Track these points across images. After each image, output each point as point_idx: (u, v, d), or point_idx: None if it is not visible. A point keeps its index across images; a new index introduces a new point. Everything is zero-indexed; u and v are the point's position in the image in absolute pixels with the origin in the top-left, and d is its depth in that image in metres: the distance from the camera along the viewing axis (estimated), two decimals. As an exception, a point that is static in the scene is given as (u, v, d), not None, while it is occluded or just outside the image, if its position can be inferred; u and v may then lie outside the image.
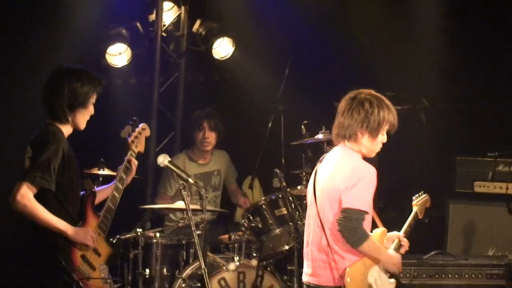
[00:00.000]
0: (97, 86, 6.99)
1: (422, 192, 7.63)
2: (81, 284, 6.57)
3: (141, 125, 7.41)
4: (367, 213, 6.97)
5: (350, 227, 6.95)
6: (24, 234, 6.66)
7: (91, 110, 6.96)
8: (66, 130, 6.79)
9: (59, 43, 9.45)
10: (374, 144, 7.08)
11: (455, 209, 10.13)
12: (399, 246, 7.27)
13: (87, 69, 7.04)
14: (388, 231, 7.34)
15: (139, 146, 7.27)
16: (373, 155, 7.18)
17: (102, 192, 7.05)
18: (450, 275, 9.06)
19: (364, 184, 7.01)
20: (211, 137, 9.99)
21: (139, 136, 7.28)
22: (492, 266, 9.13)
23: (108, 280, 6.92)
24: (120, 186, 7.05)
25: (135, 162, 7.18)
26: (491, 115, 10.76)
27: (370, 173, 7.04)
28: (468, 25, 10.49)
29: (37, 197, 6.47)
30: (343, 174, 7.02)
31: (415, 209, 7.60)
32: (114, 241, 6.98)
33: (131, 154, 7.17)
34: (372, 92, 7.12)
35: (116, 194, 6.98)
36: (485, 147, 10.32)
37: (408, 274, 8.40)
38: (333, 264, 7.08)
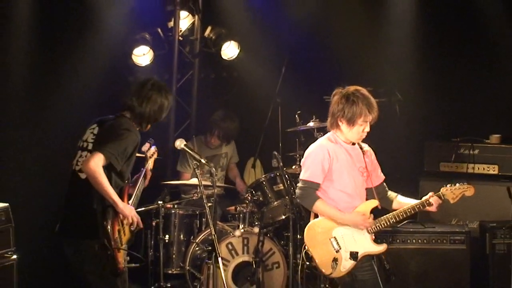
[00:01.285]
0: (170, 101, 7.06)
1: (457, 182, 7.52)
2: (114, 252, 6.59)
3: (153, 147, 7.37)
4: (313, 182, 7.20)
5: (299, 193, 7.31)
6: (82, 198, 6.64)
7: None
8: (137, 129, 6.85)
9: (96, 46, 9.44)
10: (352, 132, 7.22)
11: (424, 185, 10.11)
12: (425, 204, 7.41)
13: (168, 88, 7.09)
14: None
15: (151, 164, 7.26)
16: (354, 141, 7.30)
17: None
18: (420, 241, 9.17)
19: (309, 160, 7.29)
20: (216, 143, 10.15)
21: (153, 155, 7.29)
22: (455, 233, 9.22)
23: (127, 257, 6.88)
24: (139, 190, 7.11)
25: (149, 172, 7.20)
26: (454, 106, 10.76)
27: (314, 151, 7.32)
28: (435, 26, 10.49)
29: (103, 168, 6.47)
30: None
31: (441, 193, 7.45)
32: (132, 229, 6.99)
33: (147, 167, 7.19)
34: (357, 88, 7.25)
35: (138, 194, 7.07)
36: (449, 133, 10.40)
37: (385, 240, 8.43)
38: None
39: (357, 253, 7.21)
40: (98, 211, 6.59)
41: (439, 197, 7.40)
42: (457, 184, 7.46)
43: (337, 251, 7.26)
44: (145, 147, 7.23)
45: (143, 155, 7.27)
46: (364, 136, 7.34)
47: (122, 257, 6.73)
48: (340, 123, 7.23)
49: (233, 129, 10.10)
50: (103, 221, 6.58)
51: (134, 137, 6.71)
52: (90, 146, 6.70)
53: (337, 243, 7.28)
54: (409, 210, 7.42)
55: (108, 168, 6.54)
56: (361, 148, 7.44)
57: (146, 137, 7.45)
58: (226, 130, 10.06)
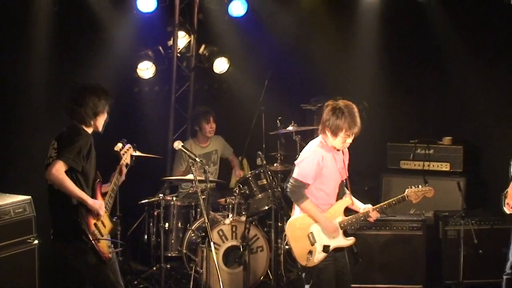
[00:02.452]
0: (109, 100, 6.88)
1: (421, 185, 7.48)
2: (94, 243, 6.50)
3: (127, 145, 7.13)
4: (304, 182, 7.14)
5: (291, 189, 7.21)
6: (56, 204, 6.59)
7: (106, 117, 6.86)
8: (89, 131, 6.73)
9: (105, 60, 9.39)
10: (335, 141, 7.12)
11: (386, 180, 10.22)
12: (366, 215, 7.34)
13: (102, 86, 6.92)
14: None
15: (127, 159, 7.11)
16: (338, 148, 7.21)
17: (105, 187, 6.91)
18: (383, 228, 9.20)
19: (304, 162, 7.19)
20: (214, 126, 10.07)
21: (126, 152, 7.13)
22: (413, 221, 9.25)
23: (111, 245, 6.76)
24: (116, 184, 6.92)
25: (124, 169, 7.00)
26: (412, 112, 10.80)
27: (311, 155, 7.19)
28: (396, 45, 10.50)
29: (66, 173, 6.40)
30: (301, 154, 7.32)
31: (404, 194, 7.41)
32: (114, 220, 6.97)
33: (122, 163, 7.01)
34: (347, 104, 7.12)
35: (115, 188, 6.88)
36: (408, 136, 10.46)
37: (353, 227, 8.46)
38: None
39: (329, 246, 7.21)
40: (71, 212, 6.51)
41: (403, 198, 7.38)
42: (420, 187, 7.43)
43: (312, 245, 7.23)
44: (117, 147, 7.07)
45: (150, 155, 7.26)
46: (346, 146, 7.27)
47: (104, 247, 6.63)
48: (326, 132, 7.22)
49: (213, 112, 10.09)
50: (77, 219, 6.49)
51: (86, 139, 6.58)
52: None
53: (313, 237, 7.26)
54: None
55: (71, 171, 6.45)
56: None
57: (145, 137, 7.49)
58: (213, 113, 10.04)
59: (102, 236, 6.60)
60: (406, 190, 7.44)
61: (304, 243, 7.26)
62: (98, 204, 6.62)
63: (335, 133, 7.07)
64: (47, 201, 6.70)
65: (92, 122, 6.73)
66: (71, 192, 6.42)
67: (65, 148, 6.45)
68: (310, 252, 7.22)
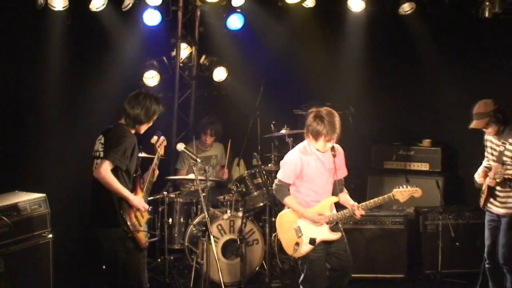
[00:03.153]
0: (161, 108, 7.04)
1: (408, 185, 7.48)
2: (134, 234, 6.72)
3: (162, 137, 7.35)
4: (285, 182, 7.28)
5: (275, 188, 7.38)
6: (101, 197, 6.74)
7: (151, 123, 7.03)
8: (133, 131, 6.88)
9: (114, 69, 9.40)
10: (317, 144, 7.21)
11: (371, 179, 10.24)
12: (352, 212, 7.38)
13: (156, 95, 7.08)
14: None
15: (161, 151, 7.27)
16: (321, 150, 7.28)
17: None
18: (368, 222, 9.22)
19: (284, 165, 7.33)
20: (210, 140, 10.03)
21: (161, 144, 7.30)
22: (396, 216, 9.28)
23: (148, 234, 7.03)
24: (150, 182, 7.14)
25: (156, 170, 7.21)
26: (395, 117, 10.80)
27: (289, 159, 7.33)
28: (380, 55, 10.50)
29: (112, 172, 6.59)
30: None
31: (391, 194, 7.40)
32: (150, 210, 7.06)
33: (154, 166, 7.18)
34: (328, 111, 7.19)
35: (149, 186, 7.10)
36: (391, 138, 10.49)
37: (340, 222, 8.46)
38: None
39: (315, 239, 7.25)
40: (116, 205, 6.69)
41: (390, 197, 7.40)
42: (407, 187, 7.43)
43: (299, 237, 7.29)
44: (153, 140, 7.29)
45: (151, 155, 7.29)
46: (327, 149, 7.30)
47: (142, 236, 6.87)
48: (309, 136, 7.26)
49: (219, 126, 10.07)
50: (120, 211, 6.67)
51: (130, 140, 6.76)
52: (101, 154, 6.77)
53: (300, 230, 7.31)
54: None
55: (116, 169, 6.63)
56: (333, 150, 7.39)
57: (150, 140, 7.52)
58: (216, 128, 10.02)
59: (141, 226, 6.84)
60: (393, 190, 7.45)
61: (291, 235, 7.32)
62: (138, 200, 6.84)
63: (316, 138, 7.17)
64: (91, 193, 6.84)
65: (139, 127, 6.94)
66: (116, 190, 6.63)
67: (112, 148, 6.64)
68: (297, 244, 7.27)
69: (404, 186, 7.44)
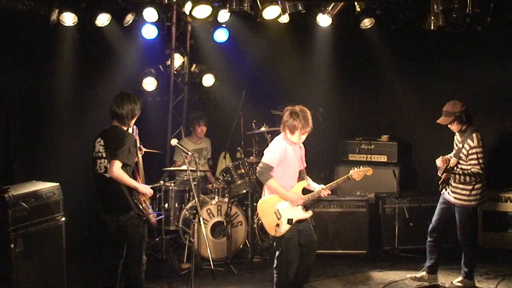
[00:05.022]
0: (141, 103, 7.02)
1: (362, 166, 7.55)
2: (147, 216, 6.82)
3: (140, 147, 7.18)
4: (269, 165, 7.22)
5: (259, 171, 7.28)
6: (113, 189, 6.76)
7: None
8: (130, 130, 6.88)
9: (116, 76, 9.38)
10: (293, 138, 7.24)
11: (338, 169, 10.20)
12: (320, 193, 7.42)
13: (136, 93, 7.07)
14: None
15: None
16: (295, 142, 7.31)
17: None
18: (335, 206, 9.25)
19: (271, 150, 7.29)
20: (204, 130, 10.00)
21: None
22: (359, 201, 9.31)
23: (156, 215, 7.18)
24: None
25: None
26: (358, 116, 10.83)
27: (276, 146, 7.29)
28: (344, 61, 10.53)
29: (122, 168, 6.63)
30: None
31: (349, 174, 7.50)
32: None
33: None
34: (302, 108, 7.24)
35: (141, 164, 7.10)
36: (354, 134, 10.48)
37: (312, 206, 8.44)
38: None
39: (292, 219, 7.26)
40: (127, 194, 6.72)
41: (348, 177, 7.45)
42: (361, 167, 7.50)
43: (278, 219, 7.29)
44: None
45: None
46: (302, 141, 7.35)
47: (153, 217, 6.99)
48: (286, 130, 7.27)
49: (206, 118, 10.05)
50: (133, 198, 6.74)
51: (131, 138, 6.78)
52: (103, 154, 6.76)
53: (279, 213, 7.30)
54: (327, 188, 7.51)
55: (125, 166, 6.66)
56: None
57: (149, 137, 7.54)
58: (205, 119, 9.99)
59: (149, 207, 6.93)
60: (350, 171, 7.54)
61: (272, 218, 7.31)
62: (145, 188, 6.90)
63: (292, 131, 7.19)
64: (98, 187, 6.86)
65: (130, 123, 6.89)
66: (128, 183, 6.68)
67: (118, 149, 6.64)
68: (278, 225, 7.26)
69: (358, 167, 7.52)
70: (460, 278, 8.04)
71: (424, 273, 8.23)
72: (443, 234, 8.09)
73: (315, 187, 7.50)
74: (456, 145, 7.89)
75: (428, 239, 8.18)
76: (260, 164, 7.34)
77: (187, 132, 10.40)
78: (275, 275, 7.34)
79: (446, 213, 8.05)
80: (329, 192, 7.50)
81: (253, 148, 9.46)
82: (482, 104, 9.79)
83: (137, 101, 6.92)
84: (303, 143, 7.47)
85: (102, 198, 6.88)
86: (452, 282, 8.07)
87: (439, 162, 7.93)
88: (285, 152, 7.24)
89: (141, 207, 6.79)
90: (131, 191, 6.75)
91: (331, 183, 7.50)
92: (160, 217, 8.80)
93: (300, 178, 7.46)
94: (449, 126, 7.86)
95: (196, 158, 8.53)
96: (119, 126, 6.82)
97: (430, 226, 8.16)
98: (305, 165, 7.58)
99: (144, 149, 7.22)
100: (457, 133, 7.91)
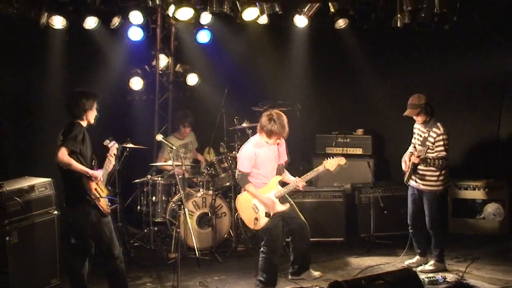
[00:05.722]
0: (96, 99, 6.98)
1: (335, 156, 7.66)
2: (96, 201, 6.72)
3: (113, 142, 7.18)
4: (244, 172, 7.36)
5: (237, 178, 7.49)
6: (66, 179, 6.79)
7: (95, 112, 6.95)
8: (84, 124, 6.86)
9: (105, 76, 9.32)
10: (269, 140, 7.37)
11: (316, 162, 9.97)
12: (295, 185, 7.52)
13: (89, 90, 7.06)
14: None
15: (112, 152, 7.11)
16: (272, 144, 7.42)
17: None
18: (313, 196, 9.30)
19: (242, 157, 7.39)
20: (188, 130, 9.98)
21: (112, 146, 7.14)
22: (336, 191, 9.35)
23: (109, 204, 7.00)
24: (107, 166, 7.05)
25: (111, 160, 7.08)
26: (334, 111, 10.86)
27: (246, 153, 7.40)
28: (320, 60, 10.54)
29: (70, 156, 6.60)
30: None
31: (323, 164, 7.57)
32: (109, 188, 7.06)
33: (110, 154, 7.11)
34: (279, 114, 7.34)
35: (107, 168, 7.02)
36: (331, 128, 10.49)
37: (293, 196, 8.48)
38: None
39: (269, 213, 7.35)
40: (76, 181, 6.70)
41: (322, 167, 7.53)
42: (335, 158, 7.61)
43: (256, 213, 7.39)
44: (105, 142, 7.20)
45: (139, 146, 7.28)
46: (278, 143, 7.43)
47: (104, 205, 6.83)
48: (263, 133, 7.35)
49: (191, 117, 9.98)
50: (81, 185, 6.69)
51: (79, 128, 6.73)
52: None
53: (256, 207, 7.40)
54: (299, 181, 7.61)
55: (73, 153, 6.63)
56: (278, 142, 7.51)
57: (136, 134, 7.52)
58: (190, 120, 9.95)
59: (101, 197, 6.80)
60: (323, 161, 7.65)
61: (250, 212, 7.42)
62: (96, 172, 6.80)
63: (269, 136, 7.33)
64: (60, 178, 6.86)
65: (84, 117, 6.86)
66: (74, 167, 6.62)
67: (65, 137, 6.66)
68: (256, 219, 7.37)
69: (332, 158, 7.61)
70: (432, 262, 8.14)
71: (417, 257, 8.37)
72: (422, 222, 8.17)
73: (292, 179, 7.56)
74: (420, 135, 8.07)
75: (411, 231, 8.31)
76: (237, 172, 7.54)
77: (173, 129, 10.39)
78: (260, 260, 7.46)
79: (418, 202, 8.17)
80: (304, 184, 7.59)
81: (235, 143, 9.48)
82: (450, 96, 9.94)
83: (89, 96, 6.90)
84: (290, 136, 7.58)
85: (64, 191, 6.90)
86: (424, 266, 8.16)
87: (405, 164, 8.15)
88: (254, 157, 7.39)
89: (89, 193, 6.70)
90: (81, 177, 6.69)
91: (306, 175, 7.60)
92: (115, 205, 8.52)
93: (278, 172, 7.52)
94: (415, 118, 8.05)
95: (182, 154, 8.53)
96: (74, 120, 6.83)
97: (409, 219, 8.27)
98: (285, 159, 7.65)
99: (112, 162, 7.15)
100: (420, 125, 8.09)
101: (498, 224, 9.34)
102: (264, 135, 7.33)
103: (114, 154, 7.16)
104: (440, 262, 8.12)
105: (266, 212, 7.33)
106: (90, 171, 6.73)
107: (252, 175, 7.45)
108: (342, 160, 7.60)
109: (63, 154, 6.55)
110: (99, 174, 6.84)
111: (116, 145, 7.22)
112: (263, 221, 7.35)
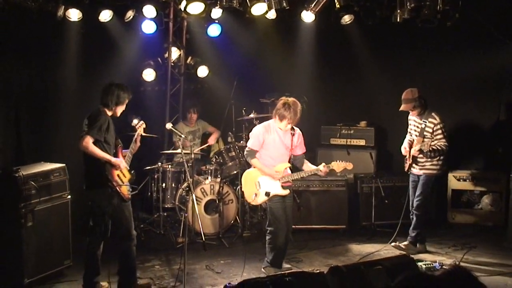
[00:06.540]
0: (130, 97, 7.01)
1: (343, 160, 7.55)
2: (117, 188, 6.71)
3: (141, 121, 7.32)
4: (253, 149, 7.46)
5: (245, 154, 7.61)
6: (89, 164, 6.75)
7: (124, 107, 6.98)
8: (109, 113, 6.85)
9: (119, 68, 9.30)
10: (280, 124, 7.39)
11: (320, 153, 10.21)
12: (318, 170, 7.50)
13: (125, 85, 7.05)
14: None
15: (140, 131, 7.21)
16: (282, 129, 7.42)
17: (125, 152, 7.09)
18: (318, 185, 9.26)
19: (252, 135, 7.50)
20: (195, 117, 10.05)
21: (140, 126, 7.25)
22: (339, 180, 9.29)
23: (130, 190, 6.99)
24: (133, 148, 7.11)
25: (138, 143, 7.16)
26: (338, 104, 10.83)
27: (256, 131, 7.50)
28: (327, 54, 10.50)
29: (94, 143, 6.60)
30: None
31: (330, 165, 7.45)
32: (132, 172, 7.04)
33: (136, 136, 7.17)
34: (294, 101, 7.38)
35: (130, 155, 7.06)
36: (336, 120, 10.49)
37: (297, 185, 8.46)
38: None
39: (269, 192, 7.39)
40: (100, 167, 6.69)
41: (328, 167, 7.47)
42: (343, 162, 7.52)
43: (257, 189, 7.44)
44: (133, 123, 7.32)
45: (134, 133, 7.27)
46: (289, 128, 7.44)
47: (125, 190, 6.82)
48: (276, 117, 7.38)
49: (199, 105, 10.08)
50: (104, 172, 6.69)
51: (105, 118, 6.73)
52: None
53: (259, 184, 7.46)
54: (306, 173, 7.58)
55: (97, 141, 6.63)
56: (293, 131, 7.52)
57: (148, 123, 7.51)
58: (197, 108, 10.04)
59: (123, 183, 6.80)
60: (332, 162, 7.54)
61: (252, 188, 7.50)
62: (118, 160, 6.81)
63: (281, 119, 7.35)
64: (82, 163, 6.82)
65: (113, 108, 6.87)
66: (97, 155, 6.62)
67: (91, 125, 6.66)
68: (256, 195, 7.47)
69: (340, 161, 7.54)
70: (405, 242, 8.31)
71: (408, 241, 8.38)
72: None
73: (312, 168, 7.57)
74: (417, 126, 8.11)
75: (412, 217, 8.31)
76: (246, 148, 7.59)
77: (183, 117, 10.39)
78: (267, 242, 7.50)
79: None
80: (327, 170, 7.48)
81: (243, 133, 9.45)
82: (451, 90, 9.87)
83: (121, 93, 6.90)
84: (297, 126, 7.60)
85: (85, 175, 6.87)
86: (398, 244, 8.33)
87: (405, 149, 8.21)
88: (263, 136, 7.43)
89: (111, 179, 6.68)
90: (105, 165, 6.68)
91: (315, 168, 7.53)
92: (135, 192, 8.49)
93: (298, 162, 7.59)
94: (410, 111, 8.11)
95: (190, 141, 8.51)
96: (101, 108, 6.83)
97: (410, 206, 8.28)
98: (303, 150, 7.71)
99: (138, 144, 7.19)
100: (415, 117, 8.13)
101: (495, 215, 9.30)
102: (277, 118, 7.39)
103: (141, 135, 7.22)
104: (413, 244, 8.25)
105: (266, 192, 7.39)
106: (113, 159, 6.73)
107: (261, 156, 7.49)
108: (349, 166, 7.54)
109: (88, 142, 6.55)
110: (122, 162, 6.85)
111: (144, 125, 7.28)
112: (261, 198, 7.43)
